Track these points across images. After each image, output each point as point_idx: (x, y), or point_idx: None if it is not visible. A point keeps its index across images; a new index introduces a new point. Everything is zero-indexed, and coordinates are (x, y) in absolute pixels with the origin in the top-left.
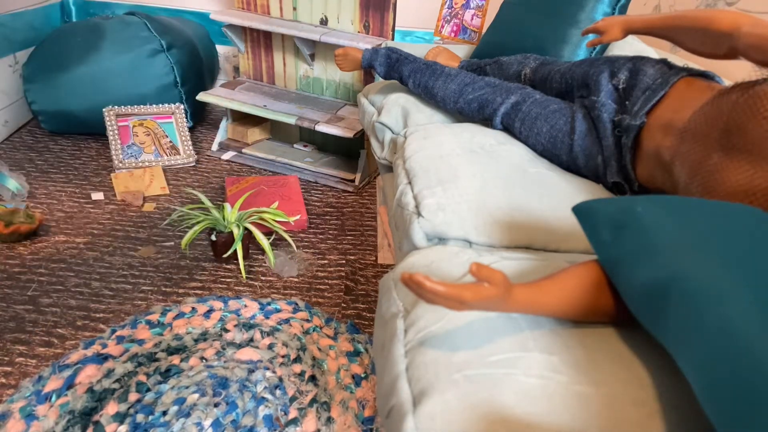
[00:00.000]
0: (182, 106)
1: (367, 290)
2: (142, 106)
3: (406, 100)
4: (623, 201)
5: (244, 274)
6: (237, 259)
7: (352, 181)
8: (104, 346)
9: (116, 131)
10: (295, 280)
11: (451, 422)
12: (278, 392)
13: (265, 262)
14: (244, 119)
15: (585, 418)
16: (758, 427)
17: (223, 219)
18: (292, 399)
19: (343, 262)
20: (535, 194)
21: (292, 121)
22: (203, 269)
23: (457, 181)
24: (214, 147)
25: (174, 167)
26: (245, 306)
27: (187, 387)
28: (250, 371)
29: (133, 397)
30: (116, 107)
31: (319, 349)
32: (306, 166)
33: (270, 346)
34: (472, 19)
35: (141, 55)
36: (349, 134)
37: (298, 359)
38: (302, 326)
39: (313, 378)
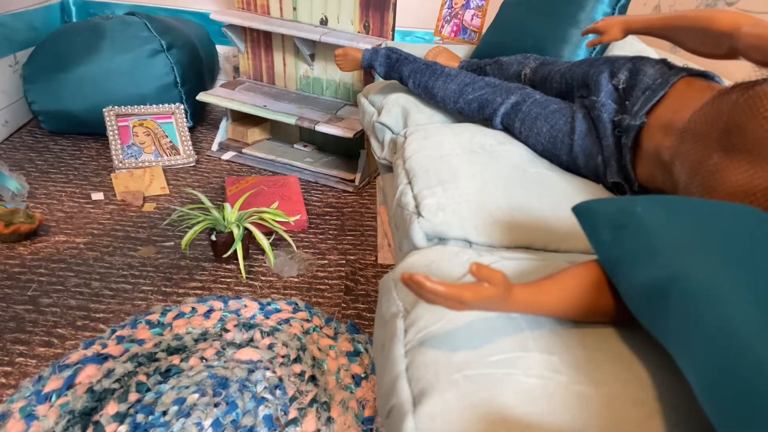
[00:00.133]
0: (182, 106)
1: (367, 290)
2: (142, 106)
3: (406, 101)
4: (623, 201)
5: (244, 274)
6: (237, 259)
7: (352, 181)
8: (104, 346)
9: (116, 131)
10: (295, 280)
11: (451, 422)
12: (278, 392)
13: (265, 262)
14: (244, 119)
15: (585, 418)
16: (758, 427)
17: (223, 219)
18: (292, 399)
19: (343, 262)
20: (535, 194)
21: (292, 121)
22: (203, 269)
23: (457, 181)
24: (214, 147)
25: (174, 167)
26: (245, 306)
27: (187, 387)
28: (250, 371)
29: (133, 397)
30: (116, 107)
31: (319, 349)
32: (306, 166)
33: (270, 346)
34: (472, 19)
35: (141, 55)
36: (349, 134)
37: (298, 359)
38: (302, 326)
39: (313, 378)
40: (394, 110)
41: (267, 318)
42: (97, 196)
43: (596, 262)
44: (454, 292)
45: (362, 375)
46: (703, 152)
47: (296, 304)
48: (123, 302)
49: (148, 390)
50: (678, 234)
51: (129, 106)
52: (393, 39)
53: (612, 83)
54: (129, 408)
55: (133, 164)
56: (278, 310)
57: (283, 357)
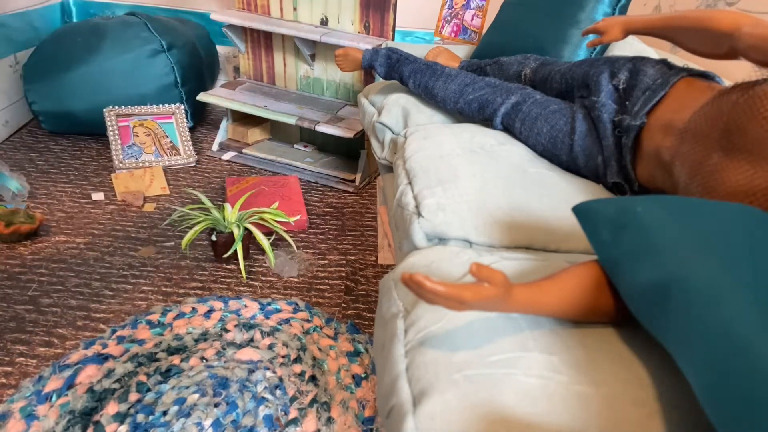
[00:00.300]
0: (182, 107)
1: (367, 290)
2: (142, 106)
3: (407, 101)
4: (623, 201)
5: (244, 275)
6: (237, 259)
7: (353, 181)
8: (104, 346)
9: (117, 131)
10: (296, 280)
11: (451, 422)
12: (278, 392)
13: (265, 263)
14: (244, 119)
15: (585, 418)
16: (758, 428)
17: (224, 219)
18: (293, 399)
19: (344, 262)
20: (535, 194)
21: (292, 121)
22: (203, 269)
23: (457, 181)
24: (215, 147)
25: (174, 167)
26: (245, 306)
27: (187, 387)
28: (251, 371)
29: (133, 397)
30: (117, 107)
31: (320, 349)
32: (306, 167)
33: (270, 346)
34: (472, 19)
35: (141, 55)
36: (350, 134)
37: (298, 359)
38: (302, 326)
39: (313, 378)
40: (395, 110)
41: (267, 318)
42: (98, 196)
43: (596, 262)
44: (454, 292)
45: (362, 375)
46: (703, 152)
47: (296, 305)
48: (123, 302)
49: (149, 390)
50: (678, 234)
51: (129, 107)
52: (393, 39)
53: (612, 83)
54: (129, 408)
55: (134, 164)
56: (278, 311)
57: (283, 357)
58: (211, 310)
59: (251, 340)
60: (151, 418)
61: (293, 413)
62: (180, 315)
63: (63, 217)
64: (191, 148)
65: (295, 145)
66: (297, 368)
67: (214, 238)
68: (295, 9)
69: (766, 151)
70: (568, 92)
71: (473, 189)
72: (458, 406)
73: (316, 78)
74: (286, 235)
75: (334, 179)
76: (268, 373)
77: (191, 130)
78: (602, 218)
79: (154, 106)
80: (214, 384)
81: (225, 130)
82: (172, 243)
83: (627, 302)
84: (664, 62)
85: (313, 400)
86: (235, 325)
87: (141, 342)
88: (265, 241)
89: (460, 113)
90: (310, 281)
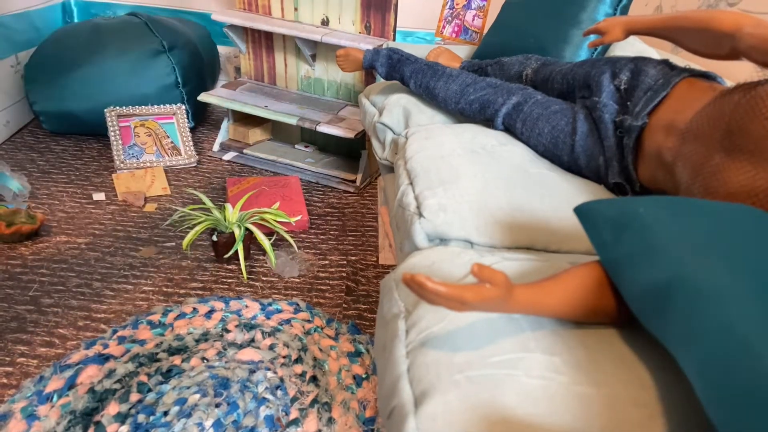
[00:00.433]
0: (183, 107)
1: (368, 291)
2: (143, 106)
3: (408, 101)
4: (625, 202)
5: (245, 275)
6: (238, 259)
7: (354, 181)
8: (105, 346)
9: (118, 132)
10: (296, 280)
11: (452, 423)
12: (279, 393)
13: (266, 263)
14: (245, 120)
15: (586, 419)
16: (759, 428)
17: (225, 219)
18: (294, 399)
19: (345, 262)
20: (536, 195)
21: (293, 121)
22: (204, 270)
23: (458, 181)
24: (216, 147)
25: (175, 168)
26: (246, 306)
27: (188, 387)
28: (252, 372)
29: (134, 397)
30: (118, 108)
31: (321, 350)
32: (307, 167)
33: (271, 347)
34: (473, 19)
35: (142, 55)
36: (351, 135)
37: (299, 360)
38: (303, 327)
39: (314, 378)
40: (396, 111)
41: (268, 318)
42: (99, 196)
43: (598, 262)
44: (455, 293)
45: (363, 375)
46: (704, 153)
47: (297, 305)
48: (124, 302)
49: (150, 390)
50: (680, 235)
51: (130, 107)
52: (394, 39)
53: (614, 84)
54: (130, 408)
55: (135, 165)
56: (279, 311)
57: (284, 357)
58: (212, 311)
59: (252, 340)
60: (152, 418)
61: (294, 414)
62: (181, 315)
63: (64, 217)
64: (192, 148)
65: (296, 146)
66: (298, 369)
67: (215, 238)
68: (296, 9)
69: (767, 151)
70: (569, 93)
71: (474, 189)
72: (459, 406)
73: (317, 78)
74: (287, 236)
75: (335, 179)
76: (269, 374)
77: (192, 130)
78: (604, 219)
79: (155, 106)
80: (215, 384)
81: (226, 131)
82: (173, 243)
83: (628, 303)
84: (665, 62)
85: (314, 401)
86: (236, 326)
87: (142, 342)
88: (266, 242)
89: (461, 113)
90: (311, 281)
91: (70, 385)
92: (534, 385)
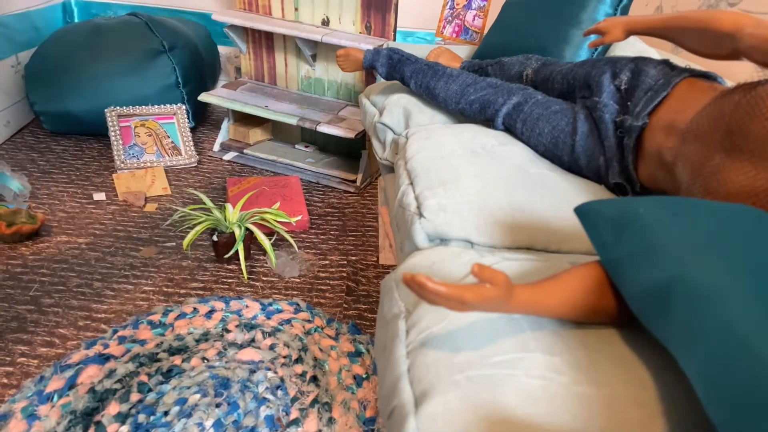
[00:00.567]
0: (184, 107)
1: (368, 291)
2: (143, 106)
3: (408, 101)
4: (625, 202)
5: (245, 275)
6: (238, 259)
7: (354, 181)
8: (106, 346)
9: (118, 132)
10: (297, 280)
11: (452, 423)
12: (280, 393)
13: (266, 263)
14: (245, 120)
15: (586, 419)
16: (760, 429)
17: (225, 219)
18: (294, 399)
19: (345, 262)
20: (536, 195)
21: (293, 121)
22: (205, 270)
23: (458, 181)
24: (216, 147)
25: (176, 168)
26: (247, 306)
27: (188, 387)
28: (252, 372)
29: (134, 397)
30: (118, 108)
31: (321, 350)
32: (307, 167)
33: (271, 347)
34: (473, 19)
35: (143, 55)
36: (351, 135)
37: (299, 360)
38: (303, 327)
39: (314, 378)
40: (396, 111)
41: (268, 318)
42: (99, 196)
43: (598, 263)
44: (455, 293)
45: (364, 376)
46: (705, 153)
47: (298, 305)
48: (125, 302)
49: (150, 390)
50: (680, 235)
51: (131, 107)
52: (394, 39)
53: (614, 84)
54: (130, 408)
55: (135, 165)
56: (280, 311)
57: (284, 357)
58: (212, 311)
59: (252, 340)
60: (152, 418)
61: (294, 414)
62: (181, 315)
63: (64, 217)
64: (192, 148)
65: (297, 146)
66: (298, 369)
67: (215, 238)
68: (296, 9)
69: (767, 151)
70: (569, 93)
71: (475, 189)
72: (460, 406)
73: (317, 78)
74: (287, 236)
75: (336, 179)
76: (270, 374)
77: (192, 130)
78: (604, 219)
79: (156, 106)
80: (215, 384)
81: (226, 131)
82: (174, 243)
83: (629, 303)
84: (666, 63)
85: (315, 401)
86: (237, 326)
87: (142, 342)
88: (266, 242)
89: (461, 113)
90: (311, 282)
91: (71, 385)
92: (534, 385)
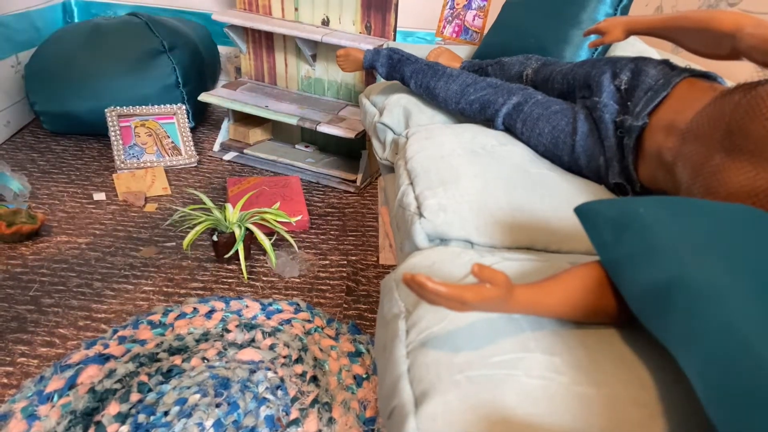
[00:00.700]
0: (184, 107)
1: (368, 291)
2: (143, 106)
3: (408, 101)
4: (625, 202)
5: (245, 275)
6: (238, 259)
7: (354, 181)
8: (106, 346)
9: (118, 132)
10: (297, 280)
11: (452, 423)
12: (280, 393)
13: (266, 263)
14: (245, 120)
15: (586, 419)
16: (760, 429)
17: (225, 219)
18: (294, 399)
19: (345, 262)
20: (536, 195)
21: (293, 121)
22: (205, 270)
23: (458, 181)
24: (216, 147)
25: (176, 168)
26: (247, 306)
27: (188, 387)
28: (252, 372)
29: (134, 397)
30: (118, 108)
31: (321, 350)
32: (307, 167)
33: (271, 347)
34: (473, 19)
35: (143, 55)
36: (351, 135)
37: (299, 360)
38: (304, 327)
39: (314, 378)
40: (396, 111)
41: (268, 318)
42: (99, 196)
43: (598, 263)
44: (455, 293)
45: (364, 376)
46: (705, 153)
47: (298, 305)
48: (125, 302)
49: (150, 390)
50: (680, 235)
51: (131, 107)
52: (394, 39)
53: (614, 84)
54: (130, 408)
55: (135, 165)
56: (280, 311)
57: (284, 357)
58: (212, 311)
59: (252, 340)
60: (152, 418)
61: (294, 414)
62: (181, 315)
63: (64, 217)
64: (192, 148)
65: (297, 146)
66: (298, 369)
67: (215, 238)
68: (296, 9)
69: (767, 151)
70: (569, 93)
71: (475, 189)
72: (460, 406)
73: (317, 78)
74: (287, 236)
75: (336, 179)
76: (270, 374)
77: (192, 130)
78: (604, 219)
79: (156, 106)
80: (215, 384)
81: (226, 131)
82: (174, 243)
83: (629, 303)
84: (666, 63)
85: (315, 401)
86: (237, 326)
87: (142, 342)
88: (266, 242)
89: (461, 113)
90: (311, 281)
91: (71, 385)
92: (534, 385)
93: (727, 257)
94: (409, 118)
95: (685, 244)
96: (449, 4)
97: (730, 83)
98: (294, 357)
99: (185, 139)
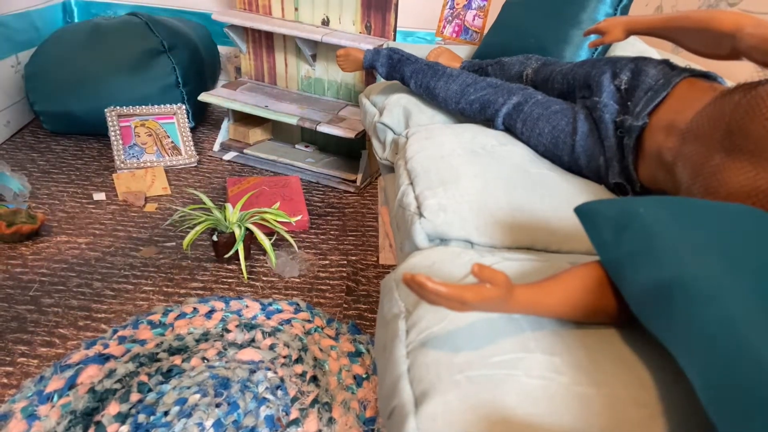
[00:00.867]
0: (184, 107)
1: (368, 291)
2: (143, 106)
3: (408, 101)
4: (625, 202)
5: (245, 275)
6: (238, 259)
7: (354, 181)
8: (106, 346)
9: (118, 132)
10: (297, 280)
11: (452, 423)
12: (280, 393)
13: (266, 263)
14: (245, 120)
15: (586, 419)
16: (760, 429)
17: (225, 219)
18: (294, 399)
19: (345, 262)
20: (536, 195)
21: (293, 121)
22: (205, 270)
23: (458, 181)
24: (216, 147)
25: (176, 168)
26: (247, 306)
27: (188, 387)
28: (252, 372)
29: (134, 397)
30: (118, 107)
31: (321, 350)
32: (307, 167)
33: (271, 347)
34: (473, 19)
35: (142, 55)
36: (351, 135)
37: (299, 360)
38: (303, 327)
39: (314, 378)
40: (396, 111)
41: (268, 318)
42: (99, 196)
43: (598, 263)
44: (455, 293)
45: (364, 375)
46: (705, 153)
47: (297, 305)
48: (124, 302)
49: (150, 390)
50: (680, 235)
51: (131, 107)
52: (394, 39)
53: (614, 84)
54: (130, 408)
55: (135, 164)
56: (280, 311)
57: (284, 357)
58: (212, 311)
59: (252, 340)
60: (152, 418)
61: (294, 414)
62: (181, 315)
63: (64, 217)
64: (192, 148)
65: (297, 146)
66: (298, 369)
67: (215, 238)
68: (296, 9)
69: (767, 151)
70: (569, 93)
71: (475, 189)
72: (460, 406)
73: (317, 78)
74: (287, 236)
75: (336, 179)
76: (270, 374)
77: (192, 130)
78: (604, 219)
79: (156, 106)
80: (215, 384)
81: (226, 131)
82: (174, 243)
83: (629, 303)
84: (666, 62)
85: (315, 401)
86: (237, 326)
87: (142, 342)
88: (266, 242)
89: (461, 113)
90: (311, 281)
91: (71, 385)
92: (534, 385)
93: (727, 257)
94: (409, 118)
95: (685, 244)
96: (449, 4)
97: (730, 83)
98: (294, 357)
99: (185, 139)
